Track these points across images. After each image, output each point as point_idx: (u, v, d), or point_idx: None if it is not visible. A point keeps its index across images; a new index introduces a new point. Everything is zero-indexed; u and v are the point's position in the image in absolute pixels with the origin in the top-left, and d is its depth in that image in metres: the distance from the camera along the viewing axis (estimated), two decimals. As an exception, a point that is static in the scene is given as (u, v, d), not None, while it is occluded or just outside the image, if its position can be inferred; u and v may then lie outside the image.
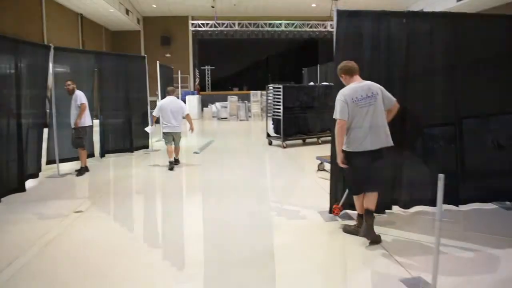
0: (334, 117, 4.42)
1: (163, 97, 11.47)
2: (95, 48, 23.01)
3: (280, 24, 25.60)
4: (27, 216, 5.53)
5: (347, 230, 4.78)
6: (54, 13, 18.72)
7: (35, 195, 6.73)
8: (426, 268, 3.24)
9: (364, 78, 5.08)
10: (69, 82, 8.17)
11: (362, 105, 4.37)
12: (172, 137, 8.88)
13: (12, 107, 6.64)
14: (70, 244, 4.62)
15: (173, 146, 8.93)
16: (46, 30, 17.93)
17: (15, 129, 6.66)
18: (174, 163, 8.83)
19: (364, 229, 4.44)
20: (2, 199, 6.23)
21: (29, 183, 7.14)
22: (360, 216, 4.71)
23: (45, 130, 7.99)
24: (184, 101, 21.96)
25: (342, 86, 4.99)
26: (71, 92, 8.13)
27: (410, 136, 5.30)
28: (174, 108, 8.93)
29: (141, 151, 10.93)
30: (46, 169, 8.05)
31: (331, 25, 21.55)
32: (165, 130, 8.89)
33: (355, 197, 4.75)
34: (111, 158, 9.89)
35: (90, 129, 8.50)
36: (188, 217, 5.56)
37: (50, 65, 7.85)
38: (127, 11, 23.12)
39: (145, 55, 11.26)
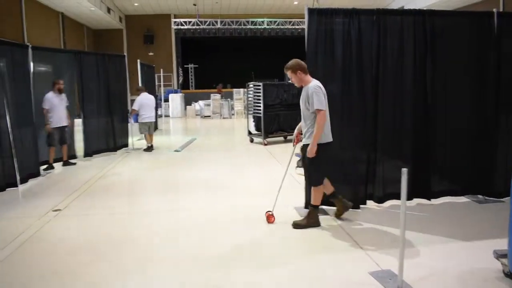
0: (317, 107, 4.56)
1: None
2: (77, 47, 22.81)
3: (262, 21, 25.64)
4: (7, 216, 5.52)
5: (298, 225, 4.89)
6: (33, 12, 18.49)
7: (16, 193, 6.73)
8: (396, 261, 3.33)
9: (336, 75, 5.20)
10: (62, 81, 8.57)
11: (327, 99, 4.71)
12: (148, 127, 10.82)
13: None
14: (44, 243, 4.66)
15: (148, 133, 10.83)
16: (26, 29, 17.72)
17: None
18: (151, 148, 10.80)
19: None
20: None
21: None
22: (316, 207, 4.91)
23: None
24: (167, 100, 22.01)
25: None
26: (62, 91, 8.55)
27: (381, 132, 5.42)
28: (152, 102, 11.10)
29: (123, 149, 10.92)
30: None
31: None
32: (145, 121, 10.77)
33: (317, 189, 4.87)
34: (93, 157, 9.86)
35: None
36: (165, 214, 5.60)
37: (31, 64, 7.83)
38: (109, 10, 22.94)
39: (125, 54, 11.23)
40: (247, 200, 6.20)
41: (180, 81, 27.07)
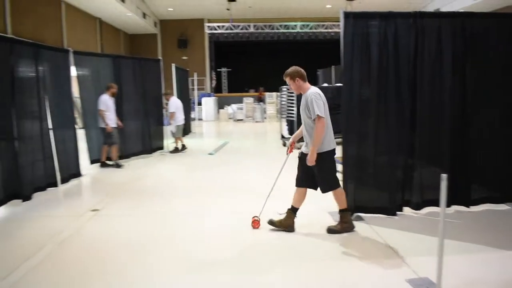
0: (317, 114, 4.51)
1: (180, 98, 11.77)
2: (114, 52, 23.39)
3: (295, 25, 25.63)
4: (49, 214, 5.71)
5: (332, 230, 4.87)
6: (73, 18, 19.10)
7: (58, 193, 7.04)
8: (434, 269, 3.27)
9: (372, 79, 5.14)
10: (116, 86, 9.16)
11: (327, 106, 4.69)
12: (182, 129, 11.38)
13: (34, 109, 6.89)
14: (83, 241, 4.81)
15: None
16: (66, 35, 18.31)
17: (39, 131, 6.95)
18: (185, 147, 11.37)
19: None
20: (32, 196, 6.58)
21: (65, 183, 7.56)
22: (345, 211, 4.88)
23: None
24: (200, 103, 22.26)
25: (351, 88, 5.11)
26: (115, 95, 9.12)
27: (419, 137, 5.31)
28: (182, 105, 11.56)
29: (158, 152, 11.11)
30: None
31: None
32: (181, 123, 11.33)
33: (336, 192, 4.84)
34: (130, 159, 10.07)
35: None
36: (198, 215, 5.66)
37: (72, 68, 8.15)
38: (144, 15, 23.43)
39: (160, 58, 11.44)
40: (279, 204, 6.17)
41: (213, 84, 27.34)
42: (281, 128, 12.52)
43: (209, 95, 24.05)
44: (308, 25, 25.58)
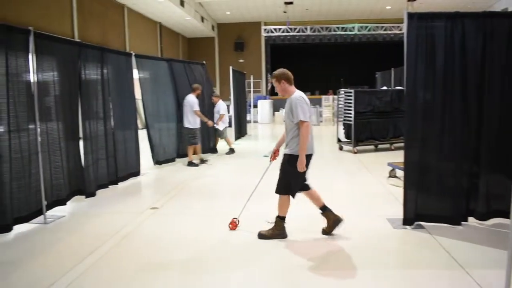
0: (301, 119, 4.51)
1: (236, 100, 11.88)
2: (173, 55, 24.04)
3: (353, 27, 25.19)
4: (110, 210, 5.93)
5: (265, 236, 4.82)
6: (135, 23, 19.82)
7: (119, 191, 7.34)
8: (499, 283, 3.07)
9: (437, 82, 4.93)
10: (201, 87, 9.82)
11: (311, 110, 4.50)
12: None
13: (99, 110, 7.20)
14: (143, 237, 4.97)
15: None
16: (128, 39, 19.03)
17: (103, 131, 7.26)
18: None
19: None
20: (97, 193, 6.93)
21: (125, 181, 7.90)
22: (282, 218, 4.84)
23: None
24: (256, 106, 22.38)
25: (414, 91, 4.93)
26: (200, 96, 9.74)
27: (486, 143, 5.03)
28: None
29: (214, 153, 11.28)
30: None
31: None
32: (227, 126, 11.70)
33: (285, 199, 4.81)
34: (185, 159, 10.27)
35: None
36: (252, 217, 5.65)
37: (134, 71, 8.47)
38: (202, 19, 23.91)
39: (204, 61, 11.62)
40: (333, 208, 6.05)
41: (269, 87, 27.40)
42: (337, 131, 12.33)
43: (264, 98, 24.14)
44: (366, 27, 25.05)
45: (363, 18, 25.76)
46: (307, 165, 4.68)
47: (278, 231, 4.82)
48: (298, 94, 4.71)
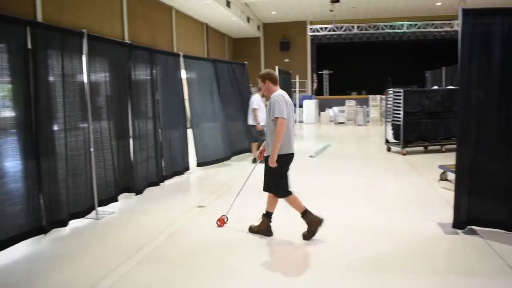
0: (277, 115, 4.55)
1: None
2: (219, 55, 24.33)
3: (402, 25, 24.56)
4: (158, 208, 6.05)
5: (253, 230, 5.00)
6: (182, 24, 20.19)
7: (167, 189, 7.49)
8: None
9: (494, 81, 4.72)
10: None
11: (291, 110, 4.76)
12: None
13: (148, 110, 7.38)
14: (191, 235, 5.06)
15: None
16: (176, 40, 19.40)
17: (152, 130, 7.43)
18: None
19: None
20: (144, 191, 7.10)
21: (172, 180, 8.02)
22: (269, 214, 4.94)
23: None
24: (301, 105, 22.25)
25: (468, 91, 4.74)
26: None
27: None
28: None
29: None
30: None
31: (458, 24, 20.09)
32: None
33: (276, 198, 4.91)
34: (231, 159, 10.35)
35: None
36: (299, 219, 5.60)
37: (183, 72, 8.63)
38: (248, 19, 24.04)
39: (245, 62, 11.63)
40: (381, 212, 5.92)
41: (315, 87, 27.21)
42: (385, 132, 12.04)
43: (310, 98, 23.97)
44: (415, 25, 24.35)
45: (412, 15, 25.04)
46: (288, 165, 4.82)
47: (263, 227, 4.96)
48: (278, 92, 4.78)
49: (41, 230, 4.86)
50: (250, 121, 9.91)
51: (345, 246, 4.62)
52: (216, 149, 9.96)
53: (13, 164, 4.51)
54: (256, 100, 9.69)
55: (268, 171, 4.81)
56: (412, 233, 4.94)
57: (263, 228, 4.95)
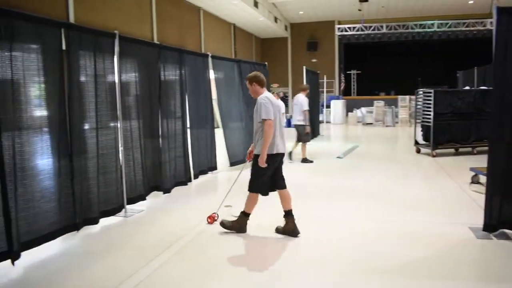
0: (263, 117, 4.71)
1: (310, 100, 11.82)
2: (246, 56, 24.39)
3: (432, 24, 24.08)
4: (186, 207, 6.12)
5: (225, 225, 5.10)
6: (210, 25, 20.32)
7: (195, 188, 7.59)
8: None
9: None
10: (308, 86, 10.41)
11: (278, 111, 4.90)
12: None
13: (177, 109, 7.45)
14: (219, 234, 5.07)
15: None
16: (204, 40, 19.56)
17: (181, 130, 7.50)
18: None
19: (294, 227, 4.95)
20: (172, 190, 7.17)
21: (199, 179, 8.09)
22: (245, 214, 5.04)
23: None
24: (329, 106, 22.10)
25: (502, 92, 4.63)
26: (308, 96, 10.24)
27: None
28: None
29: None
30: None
31: (491, 23, 19.58)
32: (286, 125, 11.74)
33: (253, 196, 5.00)
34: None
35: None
36: (328, 221, 5.58)
37: (211, 72, 8.69)
38: (276, 19, 24.01)
39: (266, 63, 11.63)
40: (410, 215, 5.82)
41: (342, 87, 26.97)
42: (415, 133, 11.83)
43: (337, 98, 23.79)
44: (446, 24, 23.84)
45: (443, 14, 24.52)
46: (276, 165, 4.93)
47: (238, 224, 5.06)
48: (264, 95, 4.92)
49: (74, 227, 4.97)
50: (297, 121, 10.05)
51: (372, 249, 4.56)
52: (244, 149, 9.98)
53: (48, 162, 4.63)
54: (306, 101, 9.96)
55: (255, 170, 4.93)
56: (442, 237, 4.84)
57: (291, 229, 4.95)
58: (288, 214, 4.99)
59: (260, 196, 5.05)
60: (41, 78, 4.55)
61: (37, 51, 4.50)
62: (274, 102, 4.87)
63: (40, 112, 4.63)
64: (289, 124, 20.75)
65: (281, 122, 5.01)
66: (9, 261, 4.02)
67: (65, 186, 4.83)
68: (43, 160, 4.57)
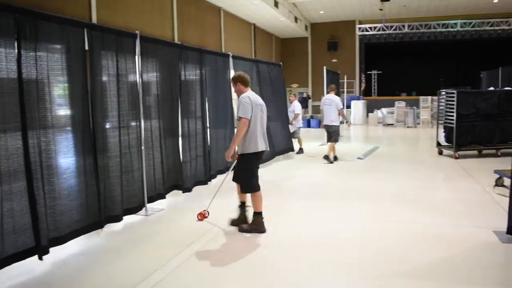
0: (240, 115, 4.88)
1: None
2: (266, 56, 24.38)
3: (455, 24, 23.67)
4: (205, 206, 6.12)
5: (244, 229, 5.15)
6: (230, 25, 20.37)
7: (215, 188, 7.45)
8: None
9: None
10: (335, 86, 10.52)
11: (259, 110, 5.04)
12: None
13: (197, 109, 7.49)
14: (239, 234, 5.12)
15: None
16: (224, 40, 19.61)
17: (201, 130, 7.55)
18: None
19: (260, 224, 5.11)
20: (192, 189, 7.22)
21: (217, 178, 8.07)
22: (258, 214, 5.12)
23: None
24: (349, 106, 21.94)
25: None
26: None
27: None
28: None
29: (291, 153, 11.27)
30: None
31: (517, 22, 19.15)
32: (301, 126, 12.10)
33: (256, 195, 5.11)
34: (272, 160, 10.37)
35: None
36: (348, 222, 5.53)
37: (231, 71, 8.72)
38: (296, 19, 23.93)
39: (281, 63, 11.61)
40: (432, 217, 5.72)
41: (363, 87, 26.73)
42: (437, 134, 11.63)
43: (358, 98, 23.58)
44: (470, 23, 23.39)
45: (467, 13, 24.08)
46: (256, 163, 5.13)
47: (255, 225, 5.13)
48: (246, 94, 5.06)
49: (98, 225, 5.04)
50: (330, 122, 10.07)
51: (392, 253, 4.50)
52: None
53: (72, 160, 4.70)
54: (340, 100, 10.19)
55: (239, 166, 5.15)
56: (465, 240, 4.75)
57: (255, 227, 5.15)
58: (243, 206, 5.31)
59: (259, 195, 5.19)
60: (65, 77, 4.62)
61: (61, 51, 4.57)
62: (255, 101, 5.02)
63: (65, 111, 4.71)
64: (308, 125, 20.71)
65: (262, 120, 5.15)
66: (32, 258, 4.09)
67: (90, 184, 4.90)
68: (68, 158, 4.64)
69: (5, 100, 3.87)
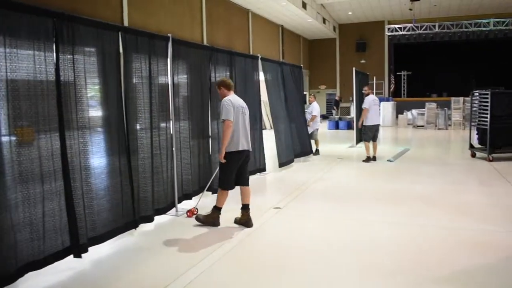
0: (223, 118, 5.12)
1: (358, 101, 11.75)
2: (294, 57, 24.36)
3: (488, 23, 23.13)
4: (234, 208, 6.16)
5: (199, 219, 5.50)
6: (258, 26, 20.44)
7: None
8: None
9: None
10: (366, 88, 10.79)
11: (240, 112, 5.28)
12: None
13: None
14: (267, 235, 5.18)
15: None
16: (252, 42, 19.70)
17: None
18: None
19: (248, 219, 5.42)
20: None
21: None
22: (217, 208, 5.43)
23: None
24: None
25: None
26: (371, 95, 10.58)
27: None
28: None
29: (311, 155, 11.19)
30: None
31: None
32: (319, 127, 11.90)
33: (224, 192, 5.39)
34: (294, 162, 10.33)
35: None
36: (378, 225, 5.46)
37: (260, 73, 8.77)
38: (324, 20, 23.84)
39: (301, 65, 11.55)
40: (465, 222, 5.59)
41: (392, 88, 26.38)
42: (470, 136, 11.36)
43: (387, 100, 23.29)
44: (504, 22, 22.81)
45: (500, 12, 23.49)
46: (241, 162, 5.33)
47: (211, 218, 5.42)
48: (227, 97, 5.29)
49: (133, 224, 5.13)
50: (375, 121, 10.31)
51: (427, 259, 4.41)
52: (289, 150, 9.97)
53: (108, 161, 4.79)
54: (368, 101, 10.25)
55: (222, 168, 5.33)
56: (500, 247, 4.62)
57: (245, 220, 5.43)
58: (245, 208, 5.45)
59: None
60: (101, 80, 4.72)
61: (97, 54, 4.67)
62: (236, 103, 5.24)
63: (100, 113, 4.80)
64: (336, 126, 20.54)
65: (245, 121, 5.36)
66: (68, 258, 4.18)
67: (125, 184, 4.99)
68: (103, 159, 4.74)
69: (44, 102, 3.97)
